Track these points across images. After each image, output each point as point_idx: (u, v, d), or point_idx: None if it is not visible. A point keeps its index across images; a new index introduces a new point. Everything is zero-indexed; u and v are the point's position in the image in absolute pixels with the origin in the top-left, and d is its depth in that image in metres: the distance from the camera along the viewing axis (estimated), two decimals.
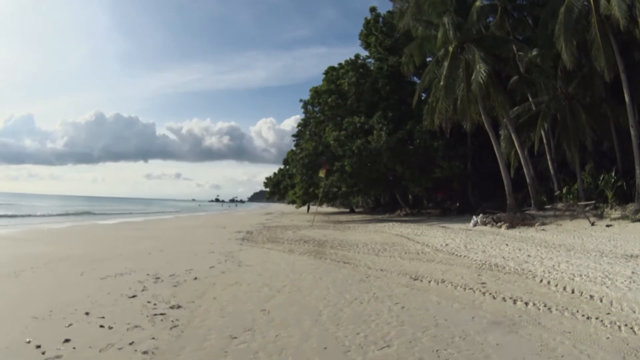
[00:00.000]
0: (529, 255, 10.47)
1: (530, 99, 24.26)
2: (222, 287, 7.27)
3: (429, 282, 7.69)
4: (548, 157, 23.96)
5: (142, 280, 7.69)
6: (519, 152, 22.94)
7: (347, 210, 53.89)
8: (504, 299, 6.35)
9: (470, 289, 6.98)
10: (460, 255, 10.96)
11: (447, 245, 13.27)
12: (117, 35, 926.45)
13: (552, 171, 23.82)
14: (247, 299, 6.48)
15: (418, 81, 34.96)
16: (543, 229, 17.26)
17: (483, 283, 7.45)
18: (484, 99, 22.35)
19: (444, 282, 7.63)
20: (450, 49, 22.72)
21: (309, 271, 8.92)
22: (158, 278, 7.95)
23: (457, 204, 33.02)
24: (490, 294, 6.63)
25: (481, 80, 20.47)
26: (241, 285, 7.48)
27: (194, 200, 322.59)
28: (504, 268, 8.85)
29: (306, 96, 41.87)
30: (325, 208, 59.40)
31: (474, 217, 21.28)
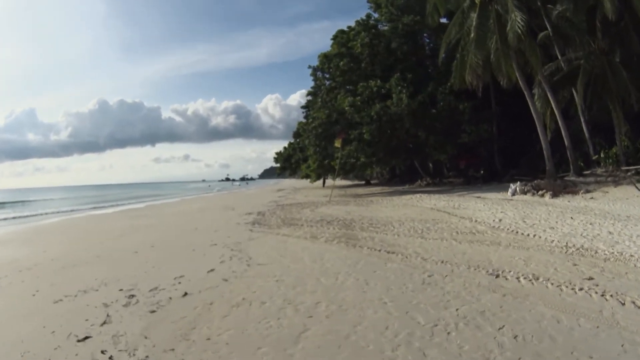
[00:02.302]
0: (610, 232, 8.39)
1: (559, 56, 22.06)
2: (222, 311, 4.82)
3: (518, 279, 5.58)
4: (582, 119, 21.63)
5: (108, 303, 5.29)
6: (556, 112, 20.65)
7: (363, 182, 51.30)
8: (634, 304, 4.49)
9: (581, 289, 5.00)
10: (528, 235, 8.83)
11: (500, 220, 10.97)
12: (114, 22, 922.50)
13: (586, 134, 21.57)
14: (261, 337, 4.03)
15: (433, 44, 32.71)
16: (591, 197, 15.33)
17: (590, 278, 5.46)
18: (517, 54, 20.01)
19: (537, 278, 5.53)
20: None
21: (345, 270, 6.48)
22: (132, 296, 5.53)
23: (482, 172, 30.58)
24: (612, 296, 4.72)
25: (519, 30, 18.05)
26: (251, 304, 5.01)
27: (204, 180, 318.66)
28: (596, 252, 6.85)
29: (310, 71, 39.40)
30: (340, 181, 56.82)
31: (512, 185, 19.21)
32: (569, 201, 14.88)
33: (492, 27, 19.69)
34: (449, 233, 9.51)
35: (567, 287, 5.10)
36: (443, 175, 35.50)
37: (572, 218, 10.60)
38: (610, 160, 20.05)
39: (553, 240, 7.98)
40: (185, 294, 5.56)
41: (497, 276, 5.78)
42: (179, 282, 6.12)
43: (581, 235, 8.34)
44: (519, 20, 18.06)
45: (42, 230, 15.93)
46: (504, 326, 4.05)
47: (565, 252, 6.97)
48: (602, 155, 20.60)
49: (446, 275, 5.92)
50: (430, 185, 31.27)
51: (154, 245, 9.81)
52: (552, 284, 5.27)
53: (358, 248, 8.24)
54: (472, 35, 20.15)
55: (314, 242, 9.33)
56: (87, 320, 4.72)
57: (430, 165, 36.56)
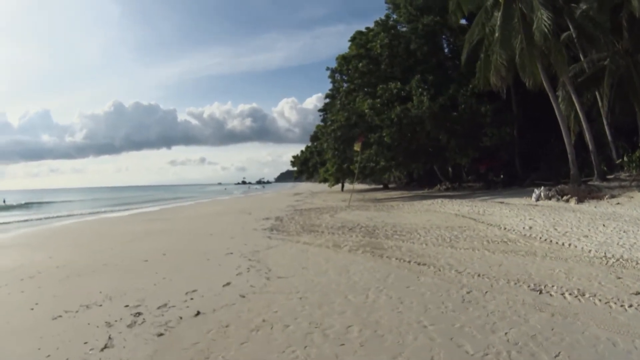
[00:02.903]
0: None
1: (582, 57, 21.24)
2: (239, 337, 4.18)
3: (563, 295, 5.09)
4: (605, 122, 20.87)
5: (112, 322, 4.72)
6: (580, 115, 19.86)
7: (381, 186, 50.57)
8: None
9: (630, 306, 4.61)
10: (563, 244, 8.18)
11: (531, 228, 10.30)
12: (129, 23, 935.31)
13: (609, 137, 20.88)
14: None
15: (453, 46, 31.95)
16: (618, 203, 14.46)
17: (637, 293, 5.03)
18: (541, 54, 19.21)
19: (583, 294, 5.05)
20: None
21: (375, 285, 5.84)
22: (139, 314, 4.95)
23: (502, 176, 29.77)
24: None
25: (545, 29, 17.39)
26: (273, 328, 4.37)
27: (220, 183, 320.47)
28: (637, 263, 6.37)
29: (327, 74, 38.60)
30: (358, 185, 56.39)
31: (535, 190, 18.42)
32: (595, 207, 14.11)
33: (516, 26, 19.00)
34: (480, 242, 8.89)
35: (615, 303, 4.69)
36: (462, 180, 34.63)
37: (604, 225, 9.88)
38: (634, 164, 19.39)
39: (590, 250, 7.41)
40: (198, 313, 4.94)
41: (540, 292, 5.25)
42: (191, 298, 5.53)
43: (618, 244, 7.73)
44: (545, 19, 17.39)
45: (52, 233, 15.52)
46: (559, 353, 3.55)
47: (606, 264, 6.49)
48: (625, 159, 19.88)
49: (486, 292, 5.32)
50: (450, 190, 30.41)
51: (166, 252, 9.26)
52: (599, 300, 4.84)
53: (385, 259, 7.60)
54: (496, 34, 19.43)
55: (337, 251, 8.69)
56: (86, 343, 4.15)
57: (450, 169, 35.72)
